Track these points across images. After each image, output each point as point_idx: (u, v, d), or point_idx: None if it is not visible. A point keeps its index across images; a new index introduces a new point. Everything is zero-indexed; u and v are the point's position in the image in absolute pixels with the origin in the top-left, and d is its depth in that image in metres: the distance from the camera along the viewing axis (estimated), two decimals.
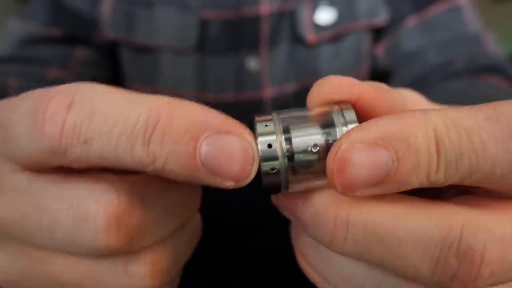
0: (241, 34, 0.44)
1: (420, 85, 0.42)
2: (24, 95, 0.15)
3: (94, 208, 0.14)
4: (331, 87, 0.16)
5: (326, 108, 0.16)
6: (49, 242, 0.15)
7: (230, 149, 0.14)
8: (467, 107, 0.14)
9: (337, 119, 0.15)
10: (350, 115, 0.15)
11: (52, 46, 0.45)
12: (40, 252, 0.16)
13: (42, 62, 0.43)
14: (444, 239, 0.13)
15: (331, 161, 0.14)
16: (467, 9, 0.45)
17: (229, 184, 0.14)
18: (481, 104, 0.14)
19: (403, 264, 0.14)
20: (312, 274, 0.17)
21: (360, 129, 0.14)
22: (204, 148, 0.14)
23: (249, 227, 0.44)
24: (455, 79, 0.41)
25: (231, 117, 0.15)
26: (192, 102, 0.14)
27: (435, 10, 0.45)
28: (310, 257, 0.17)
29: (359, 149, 0.13)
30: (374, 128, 0.14)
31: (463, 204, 0.14)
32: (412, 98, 0.20)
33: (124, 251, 0.15)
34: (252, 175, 0.14)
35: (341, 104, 0.16)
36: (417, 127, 0.13)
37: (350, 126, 0.15)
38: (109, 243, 0.15)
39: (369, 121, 0.14)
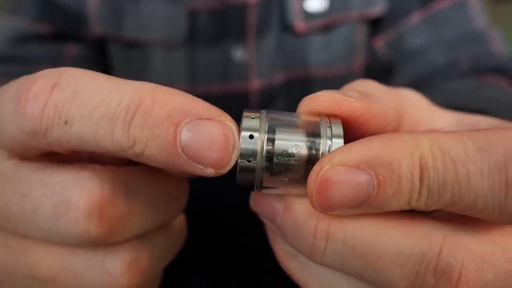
0: (227, 24, 0.43)
1: (423, 84, 0.41)
2: (14, 81, 0.15)
3: (77, 195, 0.14)
4: (320, 105, 0.16)
5: (315, 118, 0.16)
6: (31, 228, 0.15)
7: (210, 135, 0.14)
8: (459, 132, 0.14)
9: (324, 131, 0.15)
10: (337, 129, 0.15)
11: (43, 43, 0.44)
12: (19, 242, 0.16)
13: (33, 61, 0.42)
14: (423, 257, 0.14)
15: (312, 181, 0.14)
16: (472, 3, 0.44)
17: (209, 171, 0.14)
18: (474, 129, 0.14)
19: (380, 278, 0.14)
20: (295, 280, 0.18)
21: (344, 151, 0.14)
22: (184, 133, 0.13)
23: (242, 225, 0.43)
24: (459, 79, 0.39)
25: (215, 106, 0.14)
26: (176, 89, 0.14)
27: (440, 5, 0.43)
28: (290, 266, 0.17)
29: (340, 171, 0.13)
30: (358, 151, 0.14)
31: (445, 220, 0.15)
32: (412, 100, 0.19)
33: (104, 242, 0.15)
34: (232, 162, 0.14)
35: (331, 116, 0.16)
36: (402, 153, 0.13)
37: (335, 140, 0.15)
38: (90, 231, 0.14)
39: (355, 142, 0.14)
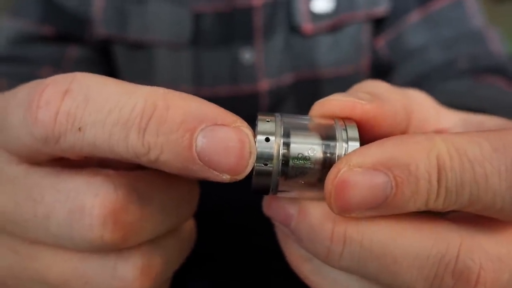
0: (234, 26, 0.43)
1: (421, 83, 0.41)
2: (22, 86, 0.15)
3: (91, 201, 0.14)
4: (332, 109, 0.16)
5: (330, 121, 0.16)
6: (42, 234, 0.15)
7: (226, 141, 0.13)
8: (472, 133, 0.14)
9: (339, 134, 0.15)
10: (353, 132, 0.15)
11: (45, 45, 0.43)
12: (28, 247, 0.16)
13: (35, 62, 0.42)
14: (441, 259, 0.14)
15: (330, 183, 0.14)
16: (469, 2, 0.44)
17: (225, 177, 0.14)
18: (486, 130, 0.14)
19: (398, 281, 0.14)
20: (308, 283, 0.18)
21: (361, 152, 0.14)
22: (200, 139, 0.13)
23: (249, 226, 0.43)
24: (457, 79, 0.39)
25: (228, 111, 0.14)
26: (189, 94, 0.14)
27: (438, 5, 0.44)
28: (303, 269, 0.17)
29: (358, 173, 0.13)
30: (375, 152, 0.14)
31: (461, 221, 0.15)
32: (418, 99, 0.19)
33: (118, 247, 0.15)
34: (249, 168, 0.14)
35: (346, 119, 0.16)
36: (419, 154, 0.13)
37: (351, 143, 0.15)
38: (104, 237, 0.14)
39: (371, 144, 0.14)
